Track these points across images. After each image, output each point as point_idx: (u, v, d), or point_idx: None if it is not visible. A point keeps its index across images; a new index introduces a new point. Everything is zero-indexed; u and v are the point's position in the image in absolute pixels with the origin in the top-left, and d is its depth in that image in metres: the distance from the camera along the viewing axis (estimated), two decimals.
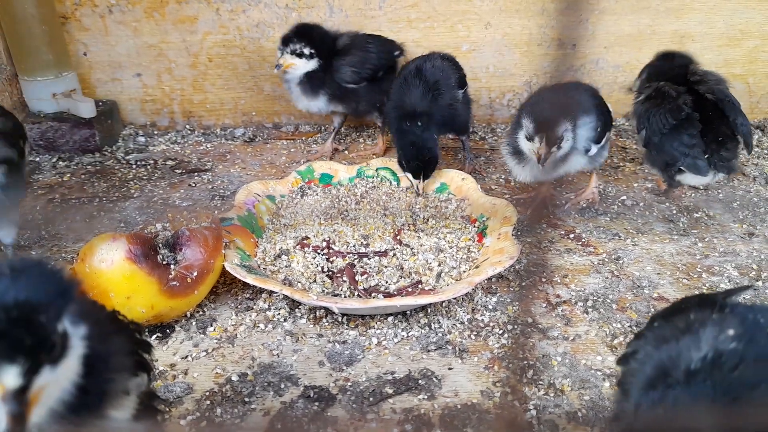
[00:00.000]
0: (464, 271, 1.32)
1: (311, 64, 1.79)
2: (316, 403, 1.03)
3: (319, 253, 1.37)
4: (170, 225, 1.25)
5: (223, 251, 1.25)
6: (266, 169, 1.91)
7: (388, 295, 1.24)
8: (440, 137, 1.76)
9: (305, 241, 1.41)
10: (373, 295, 1.24)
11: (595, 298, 1.31)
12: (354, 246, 1.41)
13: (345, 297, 1.25)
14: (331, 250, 1.38)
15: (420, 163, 1.58)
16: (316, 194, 1.62)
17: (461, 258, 1.36)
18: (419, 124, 1.60)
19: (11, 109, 1.95)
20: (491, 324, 1.23)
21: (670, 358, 0.67)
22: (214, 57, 2.10)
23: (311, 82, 1.82)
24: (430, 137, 1.61)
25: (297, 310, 1.26)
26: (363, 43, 1.86)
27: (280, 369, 1.11)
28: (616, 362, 0.85)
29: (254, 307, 1.27)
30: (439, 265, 1.33)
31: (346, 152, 2.03)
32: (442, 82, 1.69)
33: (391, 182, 1.69)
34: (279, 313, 1.25)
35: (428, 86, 1.66)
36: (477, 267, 1.32)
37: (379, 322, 1.22)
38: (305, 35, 1.79)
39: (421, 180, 1.60)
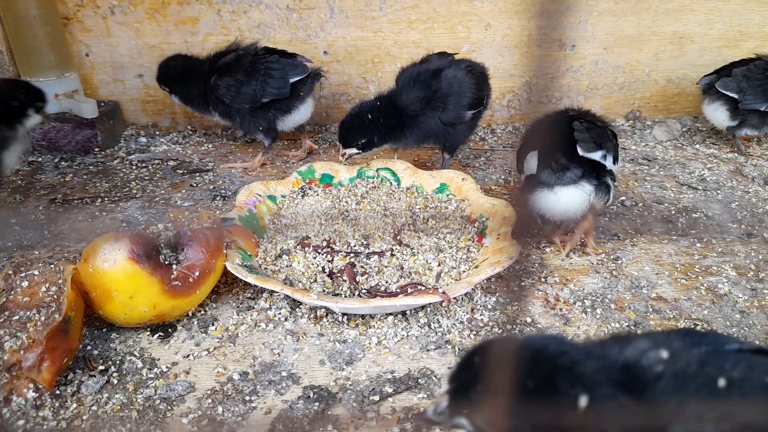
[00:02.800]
0: (464, 271, 1.33)
1: (175, 99, 1.92)
2: (317, 402, 1.04)
3: (319, 253, 1.37)
4: (172, 225, 1.26)
5: (225, 251, 1.26)
6: (267, 170, 1.92)
7: (388, 294, 1.25)
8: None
9: (306, 241, 1.42)
10: (378, 295, 1.25)
11: (593, 297, 1.32)
12: (354, 246, 1.42)
13: (345, 297, 1.26)
14: (331, 250, 1.39)
15: (342, 129, 1.64)
16: (317, 194, 1.63)
17: (461, 258, 1.37)
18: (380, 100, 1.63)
19: None
20: (490, 324, 1.23)
21: None
22: None
23: (196, 105, 1.90)
24: (372, 108, 1.61)
25: (298, 309, 1.27)
26: (247, 64, 1.79)
27: (281, 368, 1.12)
28: None
29: (255, 306, 1.28)
30: (439, 265, 1.34)
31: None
32: (452, 99, 1.63)
33: (391, 183, 1.70)
34: (280, 313, 1.26)
35: (435, 97, 1.62)
36: (476, 267, 1.33)
37: (379, 322, 1.23)
38: (160, 78, 1.90)
39: (341, 147, 1.66)
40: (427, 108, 1.63)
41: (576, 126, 1.36)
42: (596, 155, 1.33)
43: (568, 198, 1.35)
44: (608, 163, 1.36)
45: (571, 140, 1.34)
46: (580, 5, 2.09)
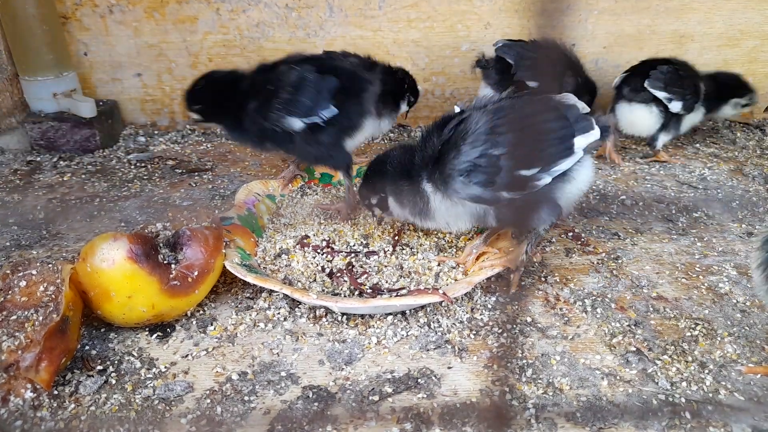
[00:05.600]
0: (463, 271, 1.33)
1: None
2: (316, 402, 1.04)
3: (319, 253, 1.37)
4: (171, 224, 1.26)
5: (224, 250, 1.25)
6: (266, 169, 1.91)
7: (394, 291, 1.25)
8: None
9: (305, 241, 1.41)
10: (382, 294, 1.24)
11: (594, 297, 1.32)
12: (354, 245, 1.41)
13: (345, 296, 1.25)
14: (331, 250, 1.39)
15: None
16: (316, 194, 1.63)
17: None
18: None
19: (12, 109, 1.96)
20: (490, 323, 1.23)
21: None
22: (215, 57, 2.10)
23: None
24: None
25: (297, 309, 1.27)
26: None
27: (280, 368, 1.12)
28: None
29: (254, 306, 1.28)
30: (439, 264, 1.34)
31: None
32: (272, 104, 1.40)
33: None
34: (279, 312, 1.25)
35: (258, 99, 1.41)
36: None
37: (378, 321, 1.23)
38: None
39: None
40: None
41: (659, 67, 1.83)
42: (660, 93, 1.82)
43: (638, 113, 1.88)
44: (672, 105, 1.84)
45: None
46: (580, 4, 2.08)
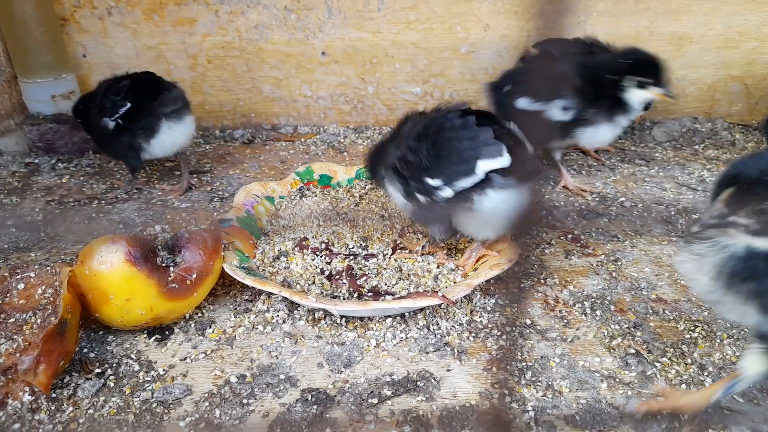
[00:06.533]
0: (463, 273, 1.32)
1: None
2: (315, 405, 1.04)
3: (318, 255, 1.37)
4: (169, 227, 1.25)
5: (222, 253, 1.25)
6: (265, 171, 1.91)
7: (394, 296, 1.25)
8: None
9: (304, 243, 1.41)
10: (382, 297, 1.24)
11: (593, 299, 1.31)
12: (353, 248, 1.41)
13: (344, 299, 1.25)
14: (330, 252, 1.38)
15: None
16: (315, 195, 1.63)
17: None
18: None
19: (10, 111, 1.96)
20: (489, 326, 1.23)
21: None
22: (213, 58, 2.10)
23: None
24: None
25: (296, 311, 1.26)
26: None
27: (279, 370, 1.12)
28: None
29: (253, 308, 1.27)
30: (438, 267, 1.34)
31: (345, 154, 2.03)
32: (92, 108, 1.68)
33: None
34: (278, 315, 1.25)
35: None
36: (475, 269, 1.32)
37: (377, 324, 1.23)
38: None
39: None
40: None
41: None
42: None
43: None
44: None
45: None
46: (579, 6, 2.08)
